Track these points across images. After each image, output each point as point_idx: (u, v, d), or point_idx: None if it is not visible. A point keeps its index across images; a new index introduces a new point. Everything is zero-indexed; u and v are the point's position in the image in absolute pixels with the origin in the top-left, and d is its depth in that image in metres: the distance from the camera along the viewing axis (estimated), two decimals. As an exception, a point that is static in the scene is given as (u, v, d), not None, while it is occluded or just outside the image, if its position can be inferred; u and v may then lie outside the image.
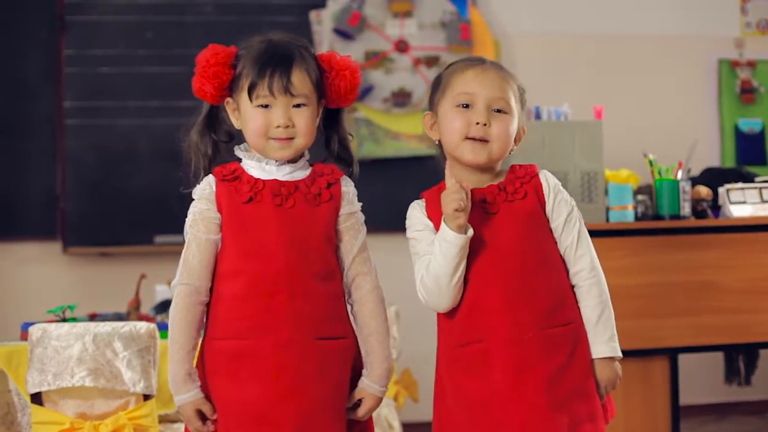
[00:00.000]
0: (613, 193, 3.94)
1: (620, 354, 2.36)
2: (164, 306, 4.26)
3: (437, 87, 2.42)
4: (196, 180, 2.37)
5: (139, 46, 5.70)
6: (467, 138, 2.33)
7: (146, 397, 3.33)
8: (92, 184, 5.63)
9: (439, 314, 2.38)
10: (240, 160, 2.39)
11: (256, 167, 2.34)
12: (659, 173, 4.01)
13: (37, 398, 3.31)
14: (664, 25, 6.15)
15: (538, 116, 4.00)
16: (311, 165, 2.39)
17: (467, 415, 2.29)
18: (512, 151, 2.41)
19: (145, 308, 4.42)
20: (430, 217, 2.37)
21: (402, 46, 5.85)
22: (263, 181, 2.31)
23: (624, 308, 3.83)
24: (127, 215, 5.63)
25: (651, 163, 4.04)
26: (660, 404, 3.95)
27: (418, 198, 2.44)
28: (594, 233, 3.79)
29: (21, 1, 5.65)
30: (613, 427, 3.87)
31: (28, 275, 5.60)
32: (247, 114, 2.32)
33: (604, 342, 2.33)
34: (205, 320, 2.33)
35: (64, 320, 3.76)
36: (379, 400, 2.36)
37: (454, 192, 2.26)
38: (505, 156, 2.39)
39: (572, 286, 2.36)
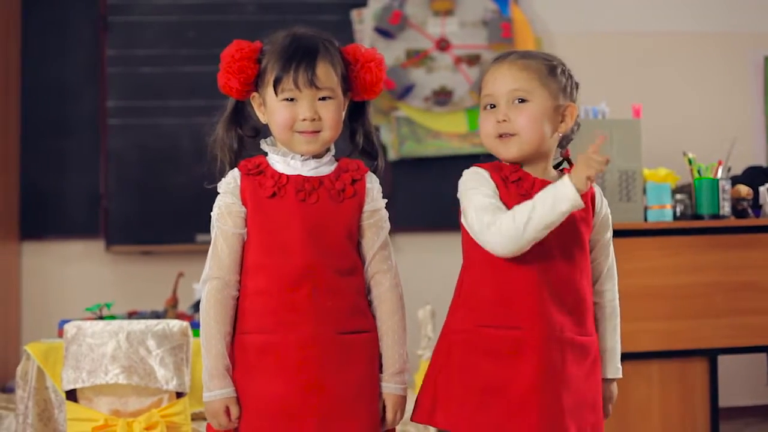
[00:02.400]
0: (652, 193, 3.89)
1: (621, 376, 2.42)
2: (202, 304, 4.28)
3: (479, 93, 2.42)
4: (222, 175, 2.38)
5: (181, 45, 5.73)
6: (498, 137, 2.32)
7: (179, 395, 3.35)
8: (135, 183, 5.68)
9: (462, 292, 2.34)
10: (266, 154, 2.40)
11: (281, 162, 2.35)
12: (698, 172, 3.95)
13: (72, 395, 3.34)
14: (709, 23, 6.08)
15: (575, 114, 3.96)
16: (337, 160, 2.39)
17: (480, 397, 2.25)
18: (562, 132, 2.34)
19: (183, 306, 4.44)
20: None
21: (443, 45, 5.83)
22: (287, 175, 2.32)
23: (662, 309, 3.82)
24: (169, 214, 5.67)
25: (690, 161, 3.99)
26: (699, 406, 3.90)
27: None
28: (632, 233, 3.82)
29: (64, 2, 5.71)
30: (652, 429, 3.85)
31: (72, 273, 5.66)
32: (272, 108, 2.32)
33: (615, 364, 2.40)
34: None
35: (101, 318, 3.79)
36: (401, 398, 2.34)
37: (594, 152, 2.17)
38: (544, 142, 2.31)
39: (593, 302, 2.36)
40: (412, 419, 2.37)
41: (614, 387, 2.42)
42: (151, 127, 5.69)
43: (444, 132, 5.78)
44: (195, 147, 5.60)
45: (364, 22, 5.80)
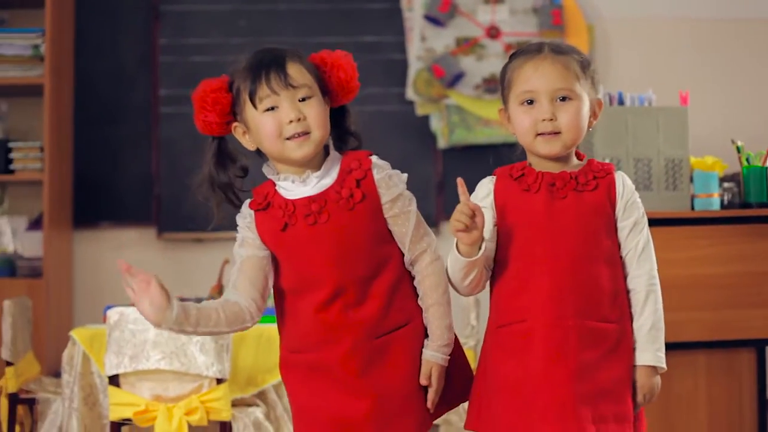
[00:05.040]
0: (699, 181, 3.83)
1: (665, 366, 2.34)
2: (248, 291, 4.30)
3: (503, 83, 2.39)
4: (224, 209, 2.39)
5: (232, 34, 5.76)
6: (538, 135, 2.30)
7: (219, 381, 3.37)
8: (186, 171, 5.66)
9: (490, 294, 2.37)
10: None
11: (285, 186, 2.31)
12: (747, 160, 3.89)
13: (114, 380, 3.39)
14: (763, 9, 5.96)
15: (621, 102, 3.91)
16: (341, 154, 2.35)
17: (502, 396, 2.27)
18: (591, 127, 2.37)
19: (229, 293, 4.47)
20: (496, 194, 2.34)
21: (493, 32, 5.80)
22: (293, 202, 2.28)
23: (709, 298, 3.76)
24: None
25: (738, 149, 3.92)
26: (746, 397, 3.84)
27: None
28: (679, 221, 3.77)
29: (117, -8, 5.79)
30: (698, 420, 3.81)
31: (125, 260, 5.70)
32: (257, 124, 2.27)
33: (653, 350, 2.31)
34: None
35: (146, 304, 3.82)
36: (440, 367, 2.32)
37: (457, 212, 2.19)
38: (581, 139, 2.35)
39: (628, 291, 2.34)
40: (465, 427, 2.39)
41: (650, 375, 2.32)
42: (203, 116, 5.72)
43: (494, 120, 5.74)
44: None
45: (413, 10, 5.78)
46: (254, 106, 2.26)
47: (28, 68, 5.42)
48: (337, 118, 2.39)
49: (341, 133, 2.41)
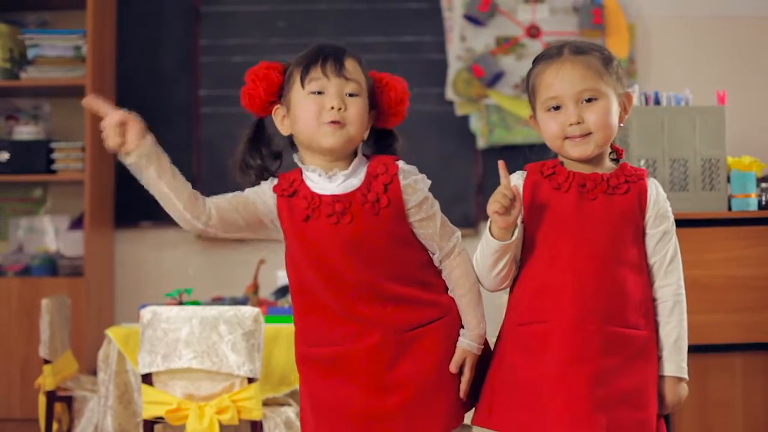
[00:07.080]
0: (736, 181, 3.79)
1: (687, 377, 2.34)
2: (284, 291, 4.33)
3: (528, 90, 2.39)
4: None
5: (272, 35, 5.79)
6: (566, 138, 2.29)
7: (250, 380, 3.39)
8: (226, 171, 5.73)
9: (511, 291, 2.37)
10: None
11: (312, 178, 2.32)
12: (785, 160, 3.85)
13: (147, 378, 3.41)
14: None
15: (657, 101, 3.88)
16: (368, 158, 2.36)
17: (518, 395, 2.26)
18: (623, 122, 2.35)
19: (265, 293, 4.49)
20: (525, 190, 2.32)
21: (533, 32, 5.77)
22: (320, 197, 2.29)
23: (747, 300, 3.73)
24: (260, 202, 5.72)
25: (777, 149, 3.88)
26: (783, 400, 3.80)
27: None
28: (715, 222, 3.74)
29: (158, -7, 5.84)
30: (734, 422, 3.77)
31: (164, 260, 5.77)
32: (299, 105, 2.29)
33: (678, 361, 2.32)
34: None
35: (181, 303, 3.86)
36: (474, 356, 2.33)
37: (497, 193, 2.19)
38: (613, 137, 2.34)
39: (653, 299, 2.33)
40: (472, 422, 2.38)
41: (676, 386, 2.32)
42: (243, 116, 5.67)
43: (534, 120, 5.72)
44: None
45: (453, 10, 5.77)
46: (302, 85, 2.29)
47: (70, 69, 5.48)
48: (381, 139, 2.42)
49: (383, 152, 2.41)
